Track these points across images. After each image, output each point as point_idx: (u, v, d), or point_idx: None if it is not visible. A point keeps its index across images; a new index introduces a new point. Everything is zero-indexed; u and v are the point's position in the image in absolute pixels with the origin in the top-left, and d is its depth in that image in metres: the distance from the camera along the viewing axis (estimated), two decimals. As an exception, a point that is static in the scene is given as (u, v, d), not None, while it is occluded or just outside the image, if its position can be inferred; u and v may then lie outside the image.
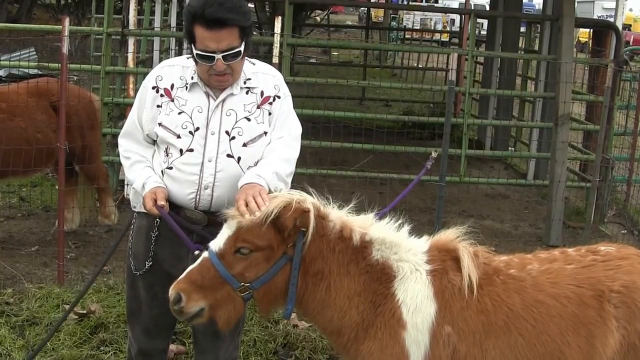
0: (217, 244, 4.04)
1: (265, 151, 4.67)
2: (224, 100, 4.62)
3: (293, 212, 3.93)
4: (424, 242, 4.27)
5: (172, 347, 6.41)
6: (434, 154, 5.53)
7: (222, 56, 4.40)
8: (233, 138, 4.59)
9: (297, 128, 4.82)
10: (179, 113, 4.60)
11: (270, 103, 4.71)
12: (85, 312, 7.03)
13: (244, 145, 4.61)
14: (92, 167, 9.41)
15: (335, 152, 12.04)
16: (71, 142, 8.61)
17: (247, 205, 4.07)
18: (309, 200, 4.02)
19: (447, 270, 4.12)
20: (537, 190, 13.44)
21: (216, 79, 4.53)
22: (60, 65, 8.03)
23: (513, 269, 4.23)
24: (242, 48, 4.47)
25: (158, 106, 4.65)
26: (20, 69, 12.86)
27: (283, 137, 4.71)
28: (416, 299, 4.04)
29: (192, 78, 4.64)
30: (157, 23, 13.35)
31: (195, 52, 4.45)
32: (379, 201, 6.75)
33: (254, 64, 4.80)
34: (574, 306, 4.08)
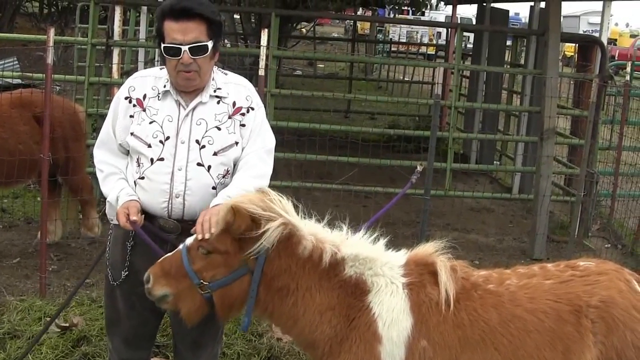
0: (190, 238, 4.19)
1: (239, 165, 4.72)
2: (193, 109, 4.66)
3: (238, 218, 3.99)
4: (401, 256, 4.28)
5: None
6: (419, 168, 5.54)
7: (189, 48, 4.46)
8: (203, 147, 4.63)
9: (270, 141, 4.86)
10: (150, 122, 4.65)
11: (243, 114, 4.75)
12: (67, 325, 6.98)
13: (215, 154, 4.65)
14: (76, 179, 9.34)
15: (320, 165, 12.02)
16: (55, 153, 8.55)
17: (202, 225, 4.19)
18: (279, 221, 4.03)
19: (424, 284, 4.12)
20: (522, 204, 13.45)
21: (183, 77, 4.56)
22: (44, 75, 7.98)
23: (491, 284, 4.23)
24: (209, 44, 4.52)
25: (130, 116, 4.70)
26: (3, 79, 12.77)
27: (257, 150, 4.75)
28: (392, 313, 4.04)
29: (165, 87, 4.68)
30: (142, 34, 13.31)
31: (163, 46, 4.50)
32: (364, 214, 6.75)
33: (226, 74, 4.85)
34: (552, 321, 4.08)
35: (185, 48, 4.45)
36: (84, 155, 9.64)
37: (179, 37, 4.45)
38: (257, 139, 4.77)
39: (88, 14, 11.64)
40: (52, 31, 7.87)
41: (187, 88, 4.63)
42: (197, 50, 4.49)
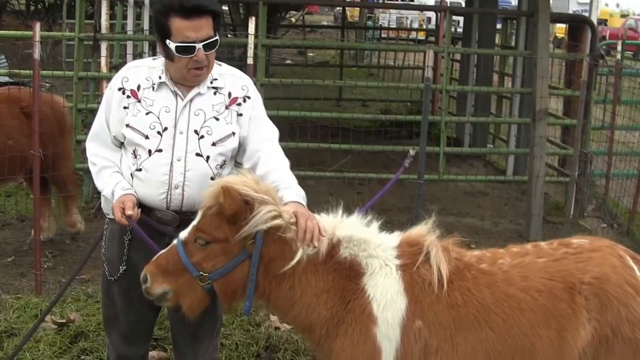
0: (185, 232, 4.16)
1: (263, 155, 4.63)
2: (191, 100, 4.62)
3: (227, 198, 3.99)
4: (394, 238, 4.30)
5: (154, 353, 6.38)
6: (411, 152, 5.51)
7: (202, 46, 4.41)
8: (202, 137, 4.59)
9: (275, 131, 4.82)
10: (147, 113, 4.59)
11: (239, 104, 4.71)
12: (64, 321, 6.96)
13: (213, 144, 4.61)
14: (61, 174, 9.23)
15: (313, 153, 11.98)
16: (43, 149, 8.41)
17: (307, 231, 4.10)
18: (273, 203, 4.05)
19: (417, 265, 4.14)
20: (516, 186, 13.43)
21: (194, 73, 4.52)
22: (32, 71, 7.92)
23: (484, 263, 4.24)
24: (218, 38, 4.50)
25: (125, 107, 4.63)
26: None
27: (272, 146, 4.70)
28: (386, 295, 4.07)
29: (160, 78, 4.63)
30: (129, 27, 13.25)
31: (174, 45, 4.41)
32: (358, 201, 6.73)
33: (220, 65, 4.80)
34: (545, 299, 4.09)
35: (199, 46, 4.39)
36: (68, 150, 9.54)
37: (192, 35, 4.38)
38: (263, 128, 4.74)
39: (75, 10, 11.55)
40: (37, 26, 7.81)
41: (195, 83, 4.60)
42: (210, 47, 4.45)
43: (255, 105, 4.76)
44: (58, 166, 9.14)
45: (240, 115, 4.69)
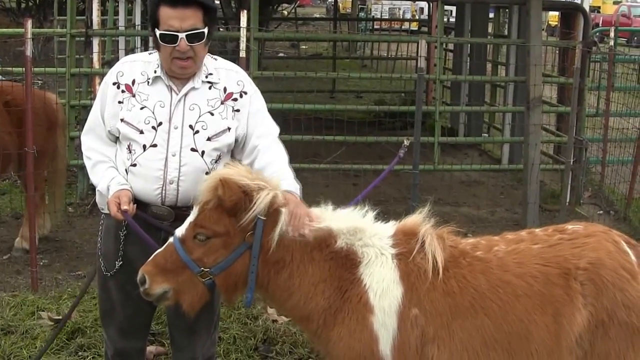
0: (181, 229, 4.15)
1: (261, 149, 4.64)
2: (186, 95, 4.61)
3: (226, 189, 3.98)
4: (390, 227, 4.31)
5: (151, 348, 6.39)
6: (406, 142, 5.51)
7: (186, 36, 4.41)
8: (197, 132, 4.58)
9: (275, 128, 4.81)
10: (141, 108, 4.58)
11: (235, 99, 4.69)
12: (60, 317, 6.93)
13: (208, 139, 4.60)
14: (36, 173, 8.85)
15: (308, 145, 11.96)
16: (23, 145, 8.14)
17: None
18: (269, 188, 4.06)
19: (413, 254, 4.15)
20: (512, 175, 13.44)
21: (179, 64, 4.51)
22: (24, 68, 7.89)
23: (479, 250, 4.26)
24: (205, 31, 4.48)
25: (119, 102, 4.62)
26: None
27: (270, 141, 4.70)
28: (382, 283, 4.09)
29: (155, 72, 4.62)
30: (121, 22, 13.22)
31: (158, 33, 4.43)
32: (354, 193, 6.73)
33: (215, 60, 4.79)
34: (541, 285, 4.10)
35: (182, 35, 4.40)
36: (52, 149, 9.38)
37: (175, 24, 4.39)
38: (263, 124, 4.73)
39: (66, 6, 11.50)
40: (29, 23, 7.78)
41: (182, 75, 4.59)
42: (194, 38, 4.44)
43: (253, 100, 4.75)
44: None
45: (237, 111, 4.68)
